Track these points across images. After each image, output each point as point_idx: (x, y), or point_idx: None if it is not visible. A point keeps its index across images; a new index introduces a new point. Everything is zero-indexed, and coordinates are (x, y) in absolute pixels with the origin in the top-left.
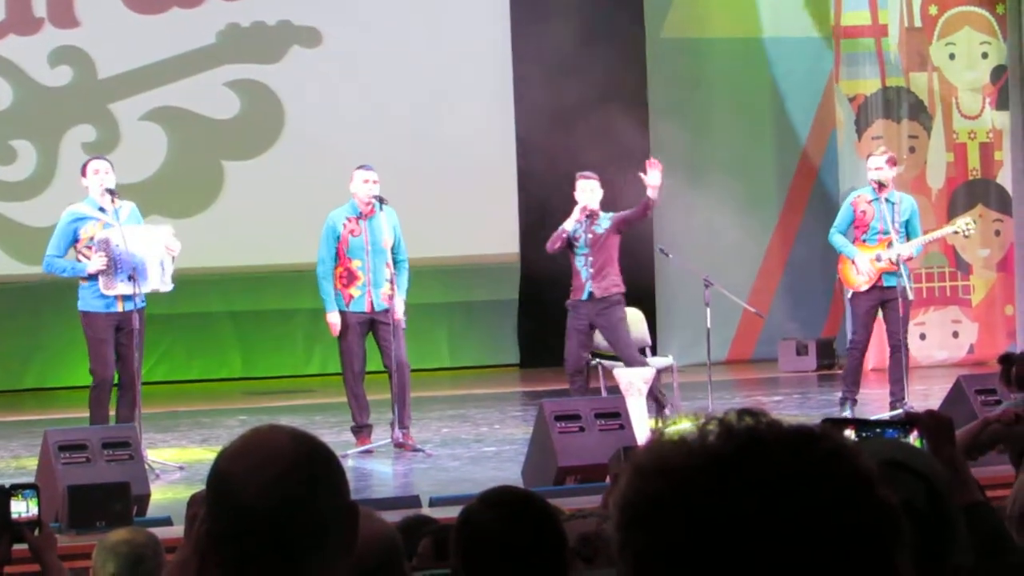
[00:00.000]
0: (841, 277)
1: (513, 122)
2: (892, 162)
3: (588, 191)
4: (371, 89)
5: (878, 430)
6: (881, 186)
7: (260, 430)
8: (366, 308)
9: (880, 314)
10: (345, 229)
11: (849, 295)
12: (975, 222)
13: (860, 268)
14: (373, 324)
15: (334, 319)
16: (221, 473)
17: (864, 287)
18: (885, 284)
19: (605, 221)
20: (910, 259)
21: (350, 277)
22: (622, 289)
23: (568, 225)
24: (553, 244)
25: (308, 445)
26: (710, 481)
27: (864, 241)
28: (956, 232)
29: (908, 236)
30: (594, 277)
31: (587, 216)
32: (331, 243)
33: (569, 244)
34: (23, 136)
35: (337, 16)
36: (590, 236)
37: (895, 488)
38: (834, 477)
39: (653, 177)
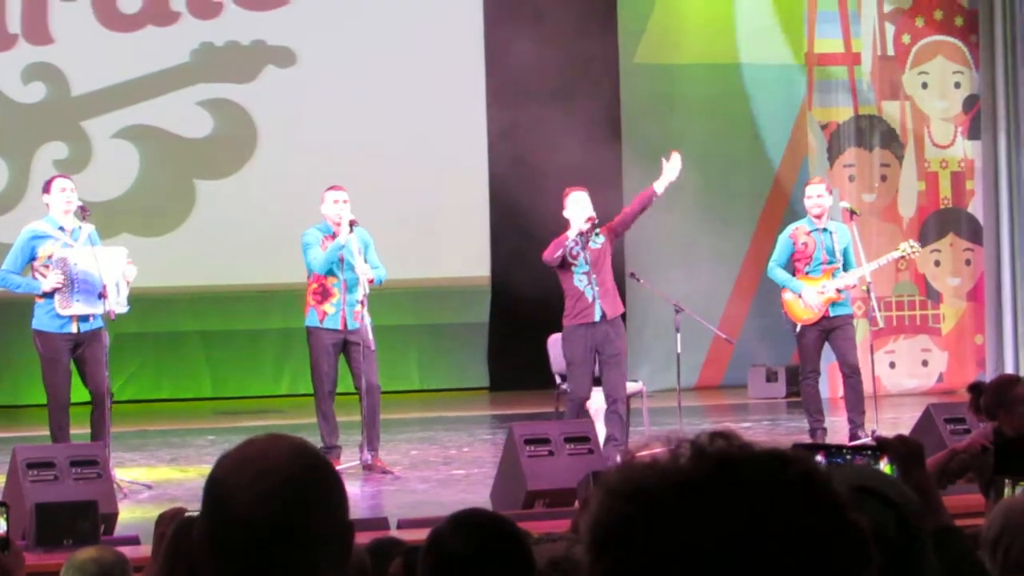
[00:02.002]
0: (787, 311)
1: (486, 145)
2: (829, 190)
3: (582, 203)
4: (344, 110)
5: (848, 456)
6: (819, 216)
7: (259, 440)
8: (339, 326)
9: (828, 344)
10: (321, 246)
11: (798, 329)
12: (917, 244)
13: (808, 301)
14: (346, 345)
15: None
16: (216, 480)
17: (812, 319)
18: (832, 314)
19: (599, 236)
20: (854, 287)
21: (324, 293)
22: (623, 308)
23: (572, 234)
24: (553, 252)
25: (306, 458)
26: (681, 503)
27: (807, 273)
28: (903, 256)
29: (845, 265)
30: (602, 296)
31: (583, 233)
32: (316, 248)
33: (563, 264)
34: None
35: (311, 37)
36: (589, 253)
37: (863, 514)
38: (805, 501)
39: (673, 168)
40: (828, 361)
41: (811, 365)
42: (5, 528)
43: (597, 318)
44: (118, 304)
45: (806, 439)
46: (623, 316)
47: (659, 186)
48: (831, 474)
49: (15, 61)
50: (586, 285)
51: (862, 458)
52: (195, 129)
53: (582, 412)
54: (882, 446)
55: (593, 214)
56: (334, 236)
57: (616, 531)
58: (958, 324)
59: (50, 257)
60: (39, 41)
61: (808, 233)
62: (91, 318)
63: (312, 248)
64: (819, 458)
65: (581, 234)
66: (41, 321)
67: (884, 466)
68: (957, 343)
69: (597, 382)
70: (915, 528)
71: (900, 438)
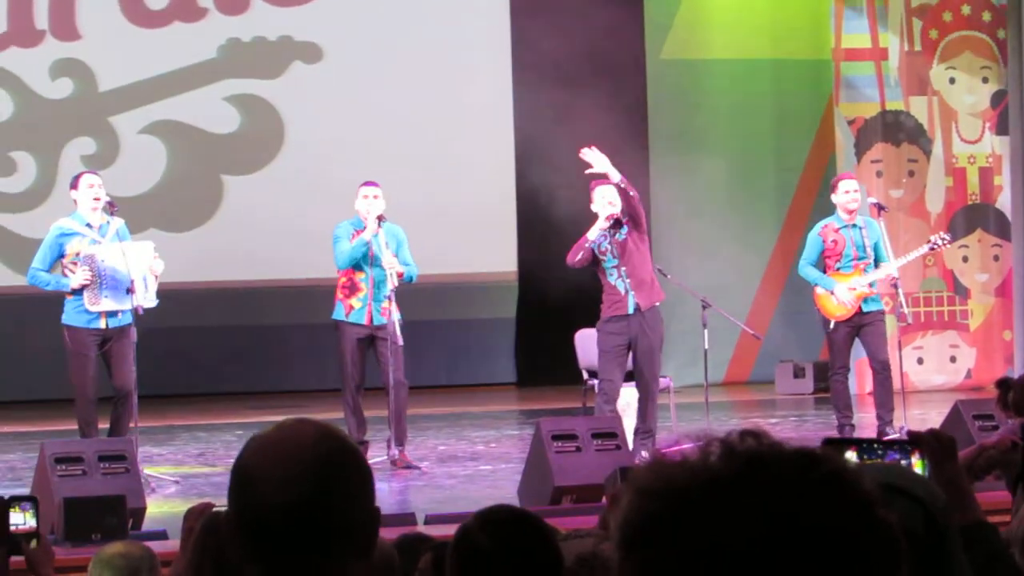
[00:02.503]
0: (820, 309)
1: (512, 141)
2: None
3: (608, 199)
4: (371, 106)
5: (880, 450)
6: (851, 212)
7: (286, 424)
8: (365, 320)
9: (859, 340)
10: (353, 239)
11: (831, 325)
12: (947, 235)
13: (841, 298)
14: (373, 340)
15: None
16: (242, 464)
17: (845, 316)
18: (864, 310)
19: (623, 228)
20: (894, 280)
21: (352, 288)
22: (663, 296)
23: (592, 234)
24: (575, 255)
25: (332, 442)
26: (711, 502)
27: (838, 270)
28: (933, 248)
29: (876, 260)
30: (635, 288)
31: (604, 229)
32: (344, 242)
33: (595, 260)
34: (23, 148)
35: (338, 32)
36: (616, 246)
37: (892, 512)
38: (835, 499)
39: (590, 160)
40: (856, 357)
41: (841, 361)
42: (35, 523)
43: (631, 310)
44: (146, 299)
45: (834, 435)
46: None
47: (614, 177)
48: (862, 472)
49: (43, 57)
50: (617, 278)
51: (894, 453)
52: (222, 125)
53: (614, 407)
54: (914, 441)
55: (614, 211)
56: (364, 231)
57: (645, 529)
58: (986, 320)
59: (78, 254)
60: (66, 37)
61: (837, 230)
62: (119, 314)
63: (340, 242)
64: (850, 453)
65: (603, 231)
66: (70, 316)
67: (916, 461)
68: (985, 339)
69: (628, 377)
70: (943, 525)
71: (932, 432)
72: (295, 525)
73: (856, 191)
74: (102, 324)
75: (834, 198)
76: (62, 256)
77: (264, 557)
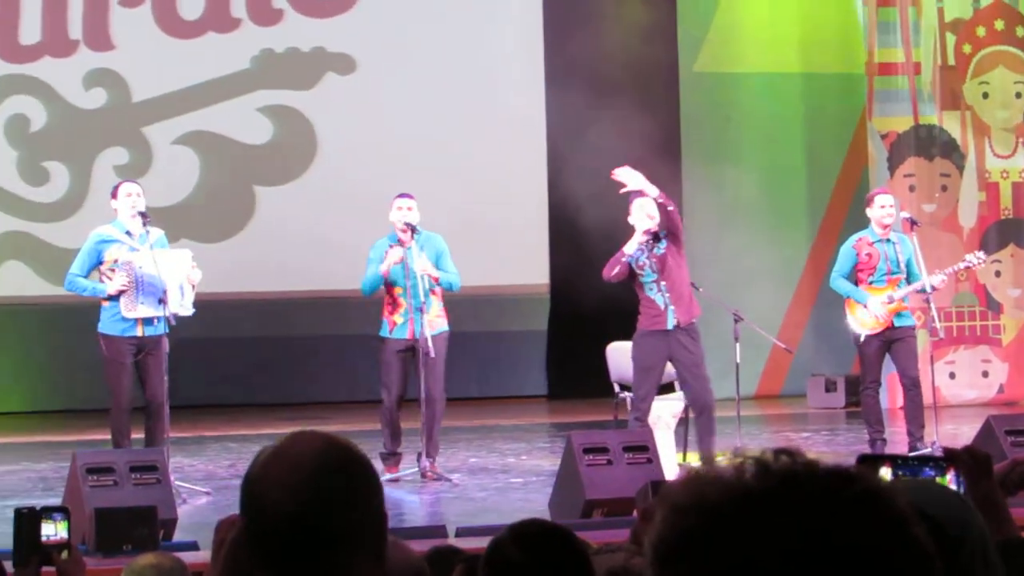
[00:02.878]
0: (851, 321)
1: (545, 153)
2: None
3: (646, 212)
4: (403, 117)
5: (915, 467)
6: (886, 227)
7: (294, 435)
8: (407, 335)
9: (889, 355)
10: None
11: (862, 338)
12: (983, 254)
13: (874, 311)
14: (415, 353)
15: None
16: (250, 476)
17: (877, 329)
18: (896, 324)
19: (661, 242)
20: (926, 295)
21: (394, 304)
22: (700, 311)
23: (629, 248)
24: (611, 270)
25: (337, 451)
26: (745, 518)
27: (871, 283)
28: (968, 267)
29: (908, 276)
30: (674, 302)
31: (641, 244)
32: (376, 267)
33: (632, 274)
34: (56, 158)
35: (371, 44)
36: (654, 261)
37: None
38: (870, 517)
39: (623, 179)
40: (887, 372)
41: (872, 376)
42: (66, 534)
43: (670, 326)
44: (182, 307)
45: (866, 450)
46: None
47: (650, 192)
48: (897, 490)
49: (77, 67)
50: (656, 292)
51: (929, 470)
52: (255, 135)
53: (644, 424)
54: (950, 457)
55: (651, 225)
56: (400, 244)
57: (679, 546)
58: (1019, 335)
59: (116, 261)
60: (100, 47)
61: (872, 244)
62: (155, 321)
63: (370, 266)
64: (885, 470)
65: (641, 245)
66: (106, 324)
67: (951, 477)
68: (1018, 354)
69: (661, 390)
70: (956, 539)
71: (968, 449)
72: (302, 532)
73: (892, 206)
74: (138, 332)
75: (869, 212)
76: (100, 263)
77: (274, 564)
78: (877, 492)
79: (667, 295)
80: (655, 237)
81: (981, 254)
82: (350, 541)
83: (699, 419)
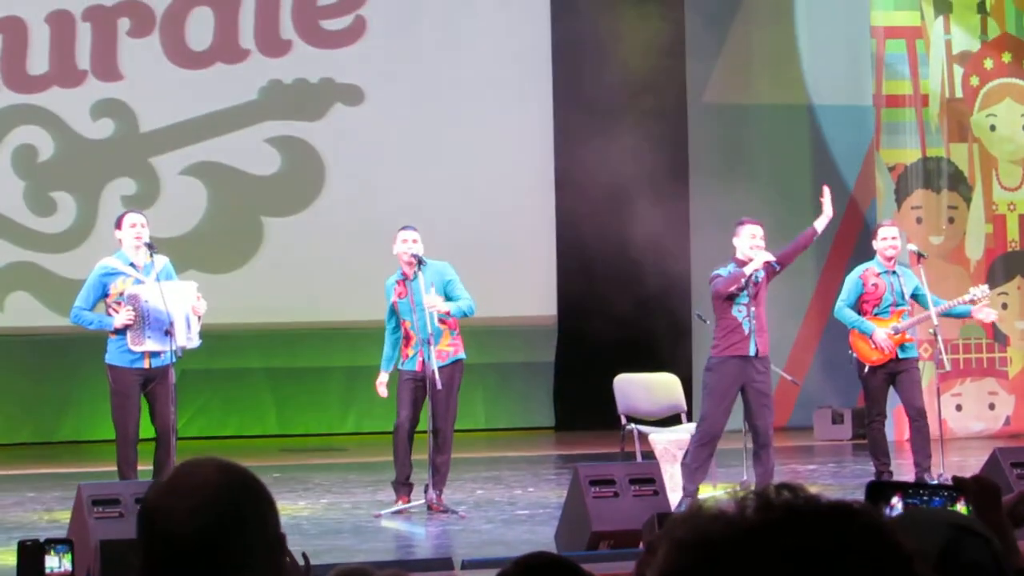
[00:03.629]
0: (856, 352)
1: (553, 185)
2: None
3: (757, 237)
4: (411, 148)
5: (925, 496)
6: (890, 259)
7: (188, 462)
8: (417, 367)
9: (893, 387)
10: (395, 294)
11: (865, 370)
12: (986, 287)
13: (880, 344)
14: (427, 384)
15: (381, 379)
16: (147, 502)
17: (882, 360)
18: (900, 356)
19: (760, 272)
20: (933, 327)
21: (407, 338)
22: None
23: (749, 270)
24: (729, 286)
25: (231, 475)
26: (747, 555)
27: (876, 315)
28: (972, 301)
29: (922, 304)
30: (757, 331)
31: (768, 267)
32: (388, 308)
33: (728, 295)
34: (63, 188)
35: (380, 75)
36: (752, 287)
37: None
38: (871, 553)
39: (828, 204)
40: (893, 404)
41: (878, 408)
42: (70, 566)
43: (751, 352)
44: (189, 339)
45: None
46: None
47: (819, 225)
48: (898, 527)
49: (84, 97)
50: (744, 317)
51: (939, 499)
52: (263, 166)
53: (709, 452)
54: (959, 486)
55: (761, 247)
56: (405, 279)
57: None
58: None
59: (121, 294)
60: (108, 78)
61: (878, 275)
62: (162, 354)
63: (388, 309)
64: (896, 499)
65: (757, 269)
66: (114, 356)
67: (961, 507)
68: None
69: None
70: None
71: (977, 479)
72: (200, 554)
73: (895, 238)
74: (145, 364)
75: (874, 244)
76: (106, 295)
77: None
78: (879, 528)
79: (753, 322)
80: (769, 266)
81: (985, 287)
82: (245, 560)
83: (760, 451)
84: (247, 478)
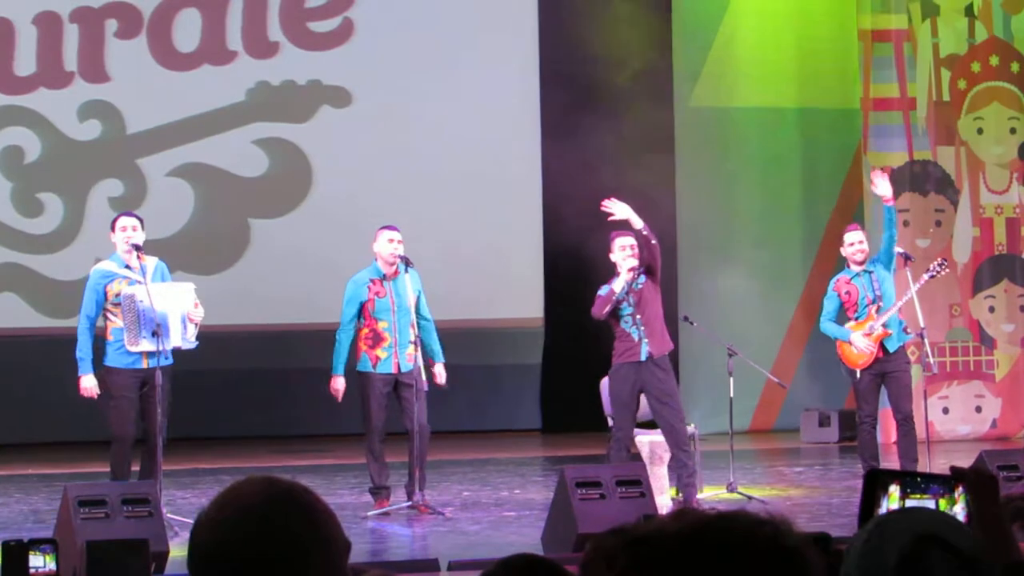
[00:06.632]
0: (844, 360)
1: (540, 187)
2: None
3: (628, 251)
4: (399, 150)
5: (923, 484)
6: (860, 263)
7: (238, 481)
8: (392, 369)
9: (883, 387)
10: (370, 292)
11: (857, 375)
12: (945, 261)
13: (859, 346)
14: (397, 385)
15: (338, 384)
16: (197, 523)
17: (868, 362)
18: (889, 349)
19: (640, 277)
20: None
21: (376, 338)
22: (672, 345)
23: (618, 286)
24: (602, 308)
25: (276, 490)
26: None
27: (857, 319)
28: (932, 276)
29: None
30: (648, 336)
31: (634, 276)
32: (354, 307)
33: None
34: (50, 189)
35: (367, 77)
36: (632, 296)
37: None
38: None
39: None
40: (882, 406)
41: (868, 411)
42: (55, 566)
43: (643, 357)
44: (185, 341)
45: (859, 485)
46: (673, 355)
47: (637, 223)
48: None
49: (72, 99)
50: (631, 326)
51: (937, 487)
52: (250, 168)
53: (628, 453)
54: (957, 476)
55: (635, 263)
56: (384, 278)
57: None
58: (1012, 370)
59: (118, 295)
60: (95, 79)
61: (849, 281)
62: (160, 355)
63: (347, 307)
64: (894, 487)
65: (627, 283)
66: (112, 358)
67: (959, 496)
68: (1011, 389)
69: (644, 425)
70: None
71: (975, 469)
72: (249, 570)
73: (862, 242)
74: (143, 364)
75: (842, 251)
76: (104, 298)
77: None
78: (791, 549)
79: (642, 328)
80: (635, 277)
81: (944, 261)
82: (292, 569)
83: (676, 452)
84: (294, 491)
